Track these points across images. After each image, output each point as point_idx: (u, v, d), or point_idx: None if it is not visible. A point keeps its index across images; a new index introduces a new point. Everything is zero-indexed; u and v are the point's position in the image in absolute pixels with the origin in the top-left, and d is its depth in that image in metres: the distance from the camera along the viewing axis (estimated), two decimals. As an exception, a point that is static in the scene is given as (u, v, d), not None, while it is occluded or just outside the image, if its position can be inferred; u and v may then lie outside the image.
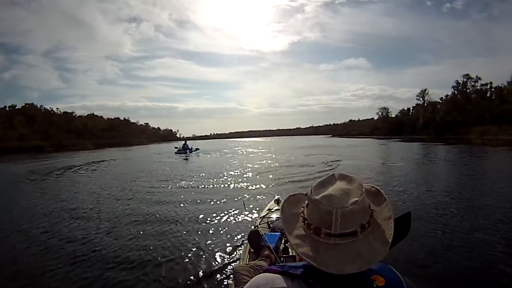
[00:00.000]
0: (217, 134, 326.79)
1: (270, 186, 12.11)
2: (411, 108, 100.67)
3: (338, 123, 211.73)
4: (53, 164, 25.62)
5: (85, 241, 6.28)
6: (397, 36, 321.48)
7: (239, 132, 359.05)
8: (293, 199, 1.13)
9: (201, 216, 7.81)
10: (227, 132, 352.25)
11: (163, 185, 13.06)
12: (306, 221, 1.00)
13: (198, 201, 9.62)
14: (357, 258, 0.92)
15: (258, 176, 15.20)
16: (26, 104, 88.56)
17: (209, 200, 9.62)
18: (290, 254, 3.26)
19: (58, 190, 12.98)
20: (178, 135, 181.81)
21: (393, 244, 1.01)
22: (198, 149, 38.96)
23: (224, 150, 43.99)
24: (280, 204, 1.52)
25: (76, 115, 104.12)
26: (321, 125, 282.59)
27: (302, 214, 1.04)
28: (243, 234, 6.05)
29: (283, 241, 3.45)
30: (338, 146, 43.41)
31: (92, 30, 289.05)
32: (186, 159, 29.50)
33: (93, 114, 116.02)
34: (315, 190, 1.00)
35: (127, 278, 4.57)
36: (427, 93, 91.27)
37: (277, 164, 19.75)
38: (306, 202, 1.03)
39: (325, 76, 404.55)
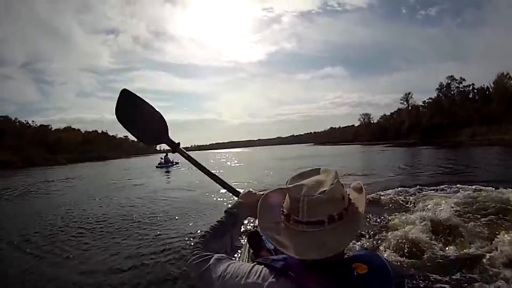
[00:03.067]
0: (197, 146, 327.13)
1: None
2: (393, 113, 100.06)
3: (319, 131, 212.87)
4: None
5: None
6: (372, 44, 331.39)
7: (219, 143, 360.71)
8: (279, 192, 1.23)
9: (201, 216, 8.05)
10: (207, 144, 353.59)
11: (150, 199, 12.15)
12: (282, 209, 1.09)
13: (198, 201, 9.93)
14: (321, 246, 0.97)
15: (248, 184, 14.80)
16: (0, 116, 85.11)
17: (208, 201, 9.91)
18: None
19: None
20: (158, 148, 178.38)
21: None
22: (178, 163, 36.81)
23: (208, 162, 42.27)
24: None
25: (52, 128, 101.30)
26: (302, 133, 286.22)
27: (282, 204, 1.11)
28: (242, 234, 5.02)
29: None
30: (323, 155, 41.51)
31: (69, 41, 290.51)
32: (168, 172, 28.06)
33: (69, 127, 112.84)
34: (291, 180, 1.08)
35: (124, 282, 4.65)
36: (411, 97, 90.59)
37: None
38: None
39: (302, 85, 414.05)
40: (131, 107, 2.06)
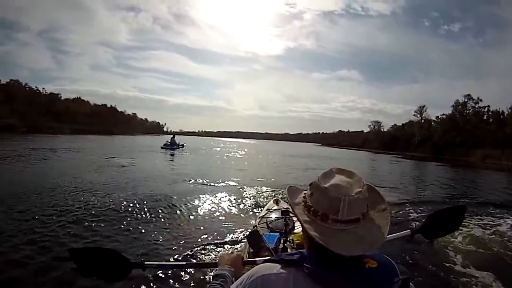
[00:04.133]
0: (205, 131, 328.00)
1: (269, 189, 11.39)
2: (404, 124, 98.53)
3: (327, 132, 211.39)
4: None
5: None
6: (391, 52, 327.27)
7: (228, 131, 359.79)
8: (291, 189, 1.23)
9: (200, 216, 7.67)
10: (215, 131, 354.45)
11: (154, 185, 11.50)
12: (311, 209, 1.09)
13: (197, 202, 9.19)
14: (361, 241, 1.03)
15: (254, 180, 14.23)
16: (11, 80, 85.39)
17: (208, 201, 9.31)
18: None
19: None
20: (165, 129, 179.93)
21: (443, 234, 1.54)
22: (184, 145, 37.34)
23: (214, 149, 42.60)
24: (280, 204, 2.15)
25: (61, 97, 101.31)
26: (310, 132, 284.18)
27: (303, 203, 1.14)
28: (242, 234, 6.12)
29: (282, 241, 3.40)
30: (336, 158, 40.17)
31: (89, 14, 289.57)
32: (172, 155, 27.41)
33: (79, 98, 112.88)
34: (322, 179, 1.10)
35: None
36: (425, 110, 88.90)
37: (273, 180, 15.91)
38: (309, 192, 1.12)
39: (316, 84, 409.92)
40: (88, 260, 2.03)
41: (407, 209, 9.37)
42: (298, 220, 1.14)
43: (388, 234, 1.10)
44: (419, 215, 8.63)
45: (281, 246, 3.42)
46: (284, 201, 5.26)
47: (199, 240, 5.98)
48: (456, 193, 14.18)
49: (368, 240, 1.03)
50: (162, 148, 32.75)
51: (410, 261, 5.14)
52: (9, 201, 7.78)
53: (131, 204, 8.24)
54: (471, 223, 7.74)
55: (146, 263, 2.12)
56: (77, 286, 4.08)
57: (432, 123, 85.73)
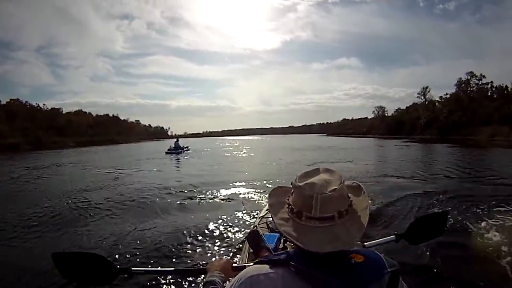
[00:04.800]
0: (209, 132, 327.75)
1: (269, 189, 9.87)
2: (408, 107, 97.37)
3: (331, 122, 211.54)
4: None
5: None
6: (389, 37, 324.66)
7: (232, 130, 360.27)
8: (280, 190, 1.28)
9: (200, 217, 7.63)
10: (219, 130, 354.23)
11: (154, 188, 12.10)
12: (290, 206, 1.15)
13: (196, 202, 9.35)
14: (334, 239, 1.05)
15: (256, 178, 13.96)
16: (11, 99, 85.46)
17: (207, 201, 9.42)
18: None
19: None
20: (169, 133, 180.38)
21: (427, 239, 1.60)
22: (188, 148, 37.25)
23: (218, 149, 42.44)
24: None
25: (62, 111, 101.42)
26: (314, 123, 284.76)
27: (287, 201, 1.18)
28: (242, 234, 6.11)
29: (282, 241, 3.33)
30: (342, 148, 38.36)
31: (84, 26, 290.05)
32: (177, 160, 27.28)
33: (80, 110, 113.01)
34: (299, 178, 1.15)
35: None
36: (429, 91, 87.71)
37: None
38: (292, 191, 1.17)
39: (317, 75, 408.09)
40: (72, 265, 2.00)
41: (430, 200, 8.47)
42: (272, 217, 1.21)
43: (377, 238, 1.27)
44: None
45: (281, 246, 3.39)
46: None
47: (199, 239, 6.07)
48: (472, 175, 13.60)
49: (343, 239, 1.05)
50: (166, 153, 32.32)
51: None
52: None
53: (129, 210, 8.58)
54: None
55: (133, 269, 2.08)
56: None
57: (436, 104, 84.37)
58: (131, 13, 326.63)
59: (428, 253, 4.84)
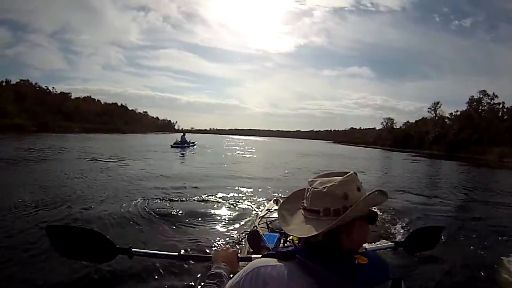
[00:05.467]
0: (216, 129, 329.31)
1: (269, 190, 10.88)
2: (418, 121, 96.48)
3: (339, 129, 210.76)
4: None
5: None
6: (402, 48, 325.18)
7: (239, 129, 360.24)
8: (296, 193, 1.35)
9: (199, 217, 7.20)
10: (226, 129, 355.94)
11: (154, 183, 11.03)
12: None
13: (196, 201, 8.77)
14: (308, 229, 1.13)
15: (258, 179, 13.73)
16: (21, 80, 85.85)
17: (207, 201, 8.87)
18: None
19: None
20: (176, 127, 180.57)
21: (422, 250, 1.64)
22: (194, 143, 36.64)
23: (224, 147, 41.87)
24: (279, 204, 1.73)
25: (71, 96, 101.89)
26: (321, 130, 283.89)
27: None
28: (242, 234, 5.90)
29: (282, 241, 3.32)
30: (354, 157, 37.20)
31: (100, 15, 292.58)
32: (182, 155, 26.67)
33: (89, 97, 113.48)
34: (316, 176, 1.24)
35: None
36: (440, 107, 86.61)
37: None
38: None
39: (327, 81, 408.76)
40: (67, 239, 1.94)
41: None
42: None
43: (377, 243, 1.38)
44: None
45: (281, 246, 3.33)
46: None
47: (197, 238, 5.81)
48: (480, 196, 13.02)
49: (314, 230, 1.11)
50: (172, 146, 31.58)
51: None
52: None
53: (132, 200, 8.08)
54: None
55: (134, 249, 2.03)
56: (52, 267, 4.00)
57: (446, 120, 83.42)
58: (148, 5, 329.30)
59: (423, 265, 4.78)
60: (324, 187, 1.13)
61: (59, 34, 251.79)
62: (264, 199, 8.84)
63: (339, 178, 1.15)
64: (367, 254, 1.11)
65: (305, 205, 1.19)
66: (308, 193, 1.18)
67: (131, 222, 6.29)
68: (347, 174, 1.16)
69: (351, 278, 1.03)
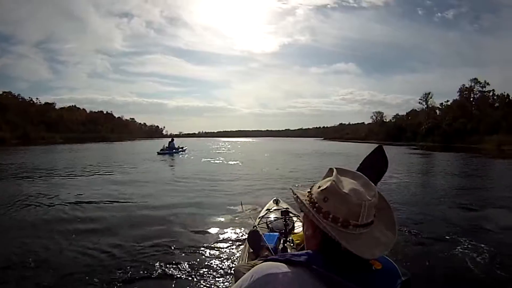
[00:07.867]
0: (205, 132, 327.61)
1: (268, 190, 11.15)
2: (408, 113, 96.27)
3: (328, 126, 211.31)
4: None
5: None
6: (387, 43, 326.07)
7: (228, 131, 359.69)
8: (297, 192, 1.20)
9: (200, 217, 7.63)
10: (215, 131, 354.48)
11: (151, 187, 11.82)
12: (330, 216, 1.05)
13: (196, 202, 9.14)
14: (377, 243, 1.05)
15: (254, 181, 13.79)
16: (3, 92, 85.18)
17: (207, 201, 9.32)
18: None
19: None
20: (164, 132, 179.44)
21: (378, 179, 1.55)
22: (184, 149, 34.59)
23: (215, 152, 39.67)
24: (279, 204, 1.90)
25: (55, 106, 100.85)
26: (311, 127, 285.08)
27: (314, 209, 1.09)
28: (242, 234, 6.10)
29: (281, 241, 3.40)
30: (348, 154, 34.85)
31: (84, 23, 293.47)
32: (171, 161, 25.69)
33: (74, 106, 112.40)
34: (339, 184, 1.07)
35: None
36: (431, 97, 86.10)
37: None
38: (320, 196, 1.08)
39: (314, 79, 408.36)
40: None
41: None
42: (323, 227, 1.06)
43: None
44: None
45: (280, 246, 3.38)
46: (284, 201, 5.35)
47: (199, 240, 5.90)
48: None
49: (383, 241, 1.05)
50: (158, 153, 29.22)
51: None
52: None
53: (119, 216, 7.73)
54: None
55: None
56: None
57: (437, 111, 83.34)
58: (131, 11, 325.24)
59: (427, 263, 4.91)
60: (374, 196, 1.05)
61: (44, 44, 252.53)
62: (264, 199, 8.08)
63: (364, 180, 1.09)
64: (378, 259, 1.08)
65: (358, 222, 1.02)
66: (363, 208, 1.02)
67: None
68: (356, 172, 1.13)
69: (367, 285, 1.01)
